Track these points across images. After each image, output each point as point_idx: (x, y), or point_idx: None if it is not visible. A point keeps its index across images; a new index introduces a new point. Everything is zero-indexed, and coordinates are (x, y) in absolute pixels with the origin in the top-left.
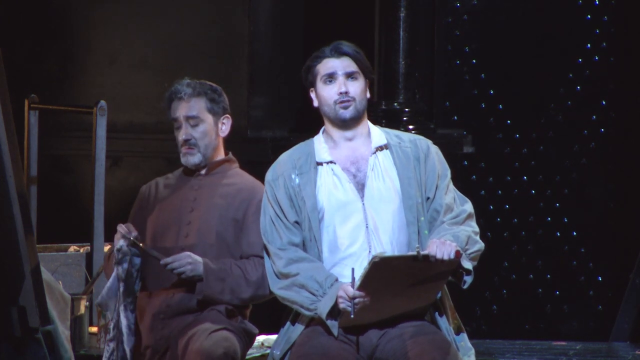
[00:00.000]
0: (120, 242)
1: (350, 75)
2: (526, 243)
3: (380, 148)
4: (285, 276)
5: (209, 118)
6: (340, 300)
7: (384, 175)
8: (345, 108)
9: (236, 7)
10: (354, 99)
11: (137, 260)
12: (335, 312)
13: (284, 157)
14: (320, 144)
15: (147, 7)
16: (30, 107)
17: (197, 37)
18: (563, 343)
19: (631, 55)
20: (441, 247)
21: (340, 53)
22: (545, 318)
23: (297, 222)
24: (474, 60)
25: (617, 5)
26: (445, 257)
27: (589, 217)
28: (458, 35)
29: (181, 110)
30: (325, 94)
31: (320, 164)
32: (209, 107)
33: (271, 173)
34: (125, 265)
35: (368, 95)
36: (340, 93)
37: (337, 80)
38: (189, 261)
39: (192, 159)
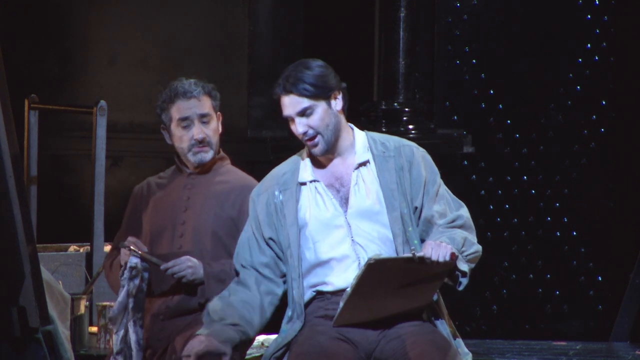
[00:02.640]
0: (133, 260)
1: (303, 113)
2: (526, 243)
3: (363, 163)
4: (227, 290)
5: (214, 116)
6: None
7: (367, 189)
8: (315, 146)
9: (236, 8)
10: (317, 132)
11: (147, 275)
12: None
13: (271, 173)
14: (305, 163)
15: (147, 7)
16: (30, 107)
17: (197, 37)
18: (563, 343)
19: (631, 55)
20: (437, 249)
21: (287, 91)
22: (545, 318)
23: (272, 239)
24: (474, 60)
25: (617, 5)
26: (441, 259)
27: (589, 217)
28: (458, 35)
29: (193, 108)
30: (292, 130)
31: (304, 183)
32: (214, 106)
33: (256, 190)
34: (137, 281)
35: (338, 106)
36: (300, 134)
37: (295, 121)
38: (189, 264)
39: (207, 155)
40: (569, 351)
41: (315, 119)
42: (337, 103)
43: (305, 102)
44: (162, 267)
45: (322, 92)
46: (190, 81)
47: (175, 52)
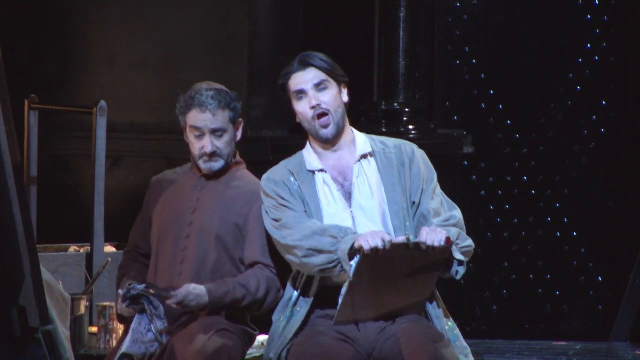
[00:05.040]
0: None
1: (319, 86)
2: (526, 243)
3: (365, 156)
4: (302, 238)
5: (230, 127)
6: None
7: (369, 183)
8: (325, 127)
9: (236, 7)
10: (328, 110)
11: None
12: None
13: (276, 167)
14: (309, 154)
15: (147, 7)
16: (30, 107)
17: (197, 37)
18: (563, 343)
19: (631, 55)
20: (431, 234)
21: (305, 65)
22: (545, 318)
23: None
24: (474, 60)
25: (617, 5)
26: (436, 244)
27: (589, 217)
28: (458, 35)
29: (206, 121)
30: (300, 110)
31: (313, 172)
32: (232, 117)
33: (266, 180)
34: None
35: (345, 99)
36: (312, 107)
37: (308, 95)
38: (191, 298)
39: (216, 165)
40: (569, 351)
41: (328, 96)
42: (344, 95)
43: (322, 76)
44: (168, 302)
45: (335, 73)
46: (209, 93)
47: (175, 52)
